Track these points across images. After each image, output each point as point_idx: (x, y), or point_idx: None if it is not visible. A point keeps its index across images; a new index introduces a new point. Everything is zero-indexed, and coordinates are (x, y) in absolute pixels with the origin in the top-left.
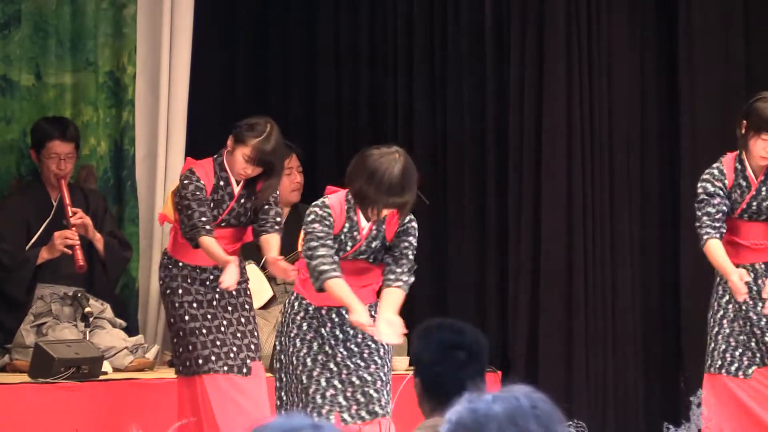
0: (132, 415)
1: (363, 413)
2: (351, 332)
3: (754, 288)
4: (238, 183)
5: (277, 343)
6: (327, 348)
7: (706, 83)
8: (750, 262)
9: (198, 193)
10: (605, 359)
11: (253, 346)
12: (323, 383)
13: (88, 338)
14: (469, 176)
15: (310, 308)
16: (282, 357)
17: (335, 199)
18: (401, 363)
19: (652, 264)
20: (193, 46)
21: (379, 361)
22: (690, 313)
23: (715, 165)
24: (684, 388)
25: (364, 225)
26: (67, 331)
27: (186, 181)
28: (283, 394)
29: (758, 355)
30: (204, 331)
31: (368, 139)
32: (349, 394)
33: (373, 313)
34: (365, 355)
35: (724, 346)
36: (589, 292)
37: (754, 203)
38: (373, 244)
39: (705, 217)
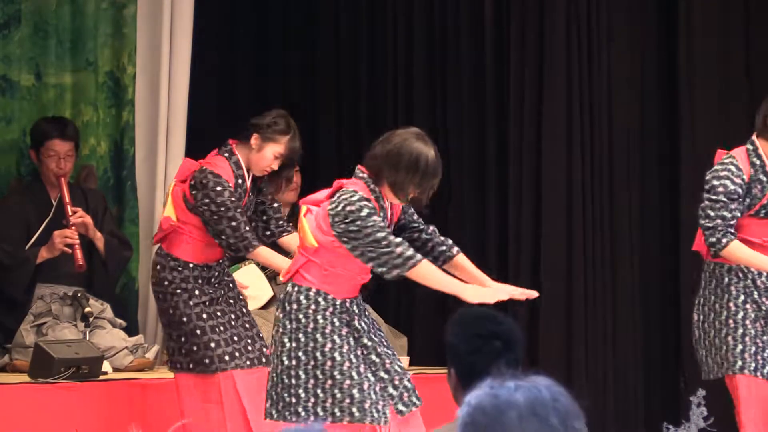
0: (132, 415)
1: (414, 399)
2: (368, 321)
3: None
4: (244, 179)
5: (286, 339)
6: (365, 340)
7: (706, 83)
8: None
9: (234, 199)
10: (605, 359)
11: (261, 334)
12: (372, 378)
13: (88, 338)
14: (469, 176)
15: (337, 302)
16: (300, 354)
17: (363, 190)
18: (403, 362)
19: (652, 264)
20: (193, 46)
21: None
22: (690, 313)
23: (727, 160)
24: (684, 388)
25: (388, 212)
26: (67, 331)
27: (219, 188)
28: (301, 391)
29: None
30: (221, 328)
31: (368, 139)
32: (397, 382)
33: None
34: (386, 343)
35: (753, 348)
36: (589, 292)
37: None
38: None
39: (719, 220)
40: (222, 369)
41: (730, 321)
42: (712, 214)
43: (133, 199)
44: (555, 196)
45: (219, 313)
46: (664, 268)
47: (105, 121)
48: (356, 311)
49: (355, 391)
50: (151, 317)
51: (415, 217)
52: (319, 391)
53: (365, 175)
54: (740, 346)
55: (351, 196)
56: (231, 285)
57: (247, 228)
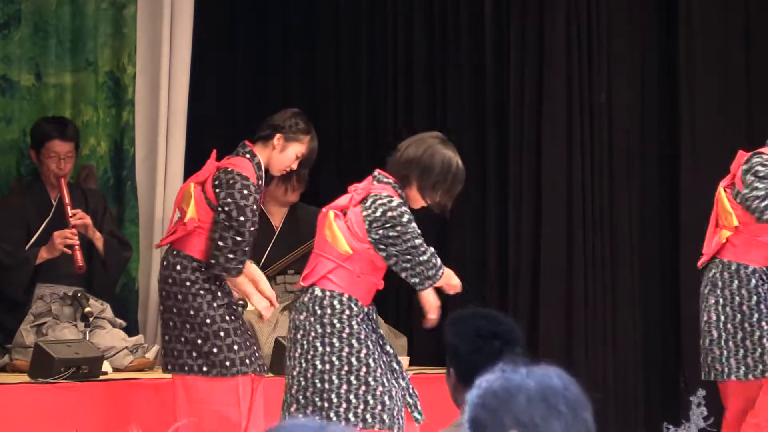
0: (132, 415)
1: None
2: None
3: None
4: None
5: (319, 344)
6: (388, 348)
7: (706, 83)
8: None
9: (255, 207)
10: (605, 359)
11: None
12: (397, 384)
13: (88, 338)
14: (469, 176)
15: (364, 309)
16: (334, 359)
17: (398, 198)
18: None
19: (652, 264)
20: (193, 46)
21: None
22: (690, 313)
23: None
24: (684, 388)
25: None
26: (67, 331)
27: (245, 191)
28: (333, 396)
29: None
30: (240, 331)
31: (368, 139)
32: (411, 391)
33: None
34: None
35: None
36: (589, 292)
37: None
38: None
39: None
40: (243, 372)
41: (763, 323)
42: (760, 185)
43: (133, 199)
44: (555, 196)
45: (235, 317)
46: (664, 268)
47: (105, 121)
48: (374, 319)
49: (386, 398)
50: (151, 317)
51: None
52: (351, 396)
53: (391, 180)
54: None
55: (390, 202)
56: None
57: (245, 248)
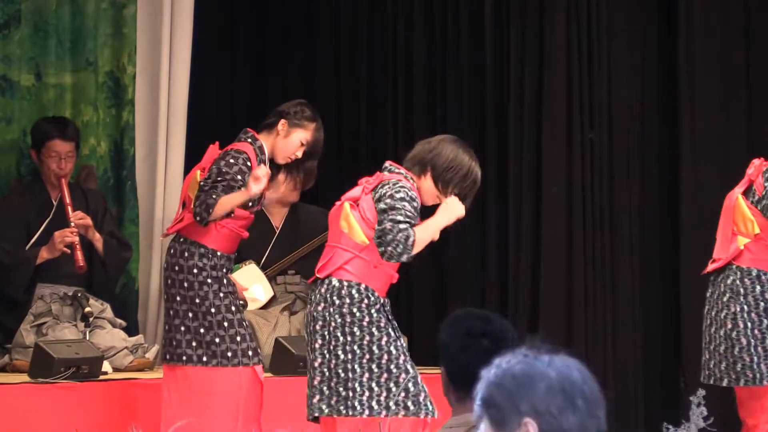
0: (132, 415)
1: None
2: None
3: None
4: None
5: (339, 333)
6: (403, 339)
7: (706, 83)
8: None
9: (239, 178)
10: (605, 359)
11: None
12: (417, 372)
13: (88, 338)
14: None
15: (380, 300)
16: (356, 348)
17: (410, 185)
18: None
19: (652, 264)
20: (193, 46)
21: None
22: (690, 313)
23: None
24: (684, 388)
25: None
26: (67, 331)
27: (231, 161)
28: (357, 385)
29: None
30: (246, 322)
31: (368, 139)
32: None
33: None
34: None
35: None
36: (589, 292)
37: None
38: None
39: None
40: (245, 364)
41: None
42: None
43: (133, 199)
44: (555, 196)
45: (240, 308)
46: (664, 268)
47: (105, 121)
48: (390, 311)
49: (410, 384)
50: (151, 317)
51: None
52: (374, 384)
53: (402, 171)
54: None
55: (395, 183)
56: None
57: (212, 199)
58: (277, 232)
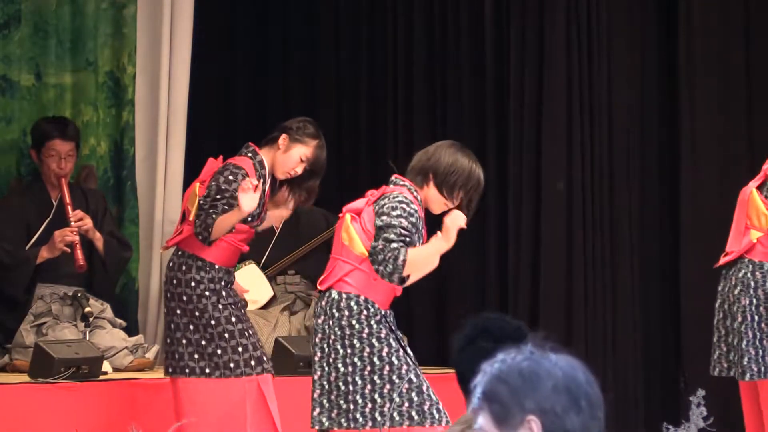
0: (132, 415)
1: None
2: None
3: None
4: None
5: (339, 346)
6: (408, 350)
7: (706, 83)
8: None
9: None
10: (605, 359)
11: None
12: (427, 381)
13: (88, 338)
14: None
15: (381, 311)
16: (356, 360)
17: (410, 195)
18: None
19: (652, 264)
20: (193, 46)
21: None
22: (690, 313)
23: None
24: (684, 388)
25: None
26: (67, 331)
27: (231, 177)
28: (358, 397)
29: None
30: (249, 332)
31: (368, 139)
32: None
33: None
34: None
35: None
36: (589, 292)
37: None
38: None
39: None
40: (247, 374)
41: None
42: None
43: (133, 199)
44: (555, 196)
45: (244, 318)
46: (664, 268)
47: (105, 121)
48: (393, 322)
49: (413, 394)
50: (151, 317)
51: None
52: (376, 396)
53: (407, 183)
54: None
55: (395, 197)
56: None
57: (211, 219)
58: (277, 232)
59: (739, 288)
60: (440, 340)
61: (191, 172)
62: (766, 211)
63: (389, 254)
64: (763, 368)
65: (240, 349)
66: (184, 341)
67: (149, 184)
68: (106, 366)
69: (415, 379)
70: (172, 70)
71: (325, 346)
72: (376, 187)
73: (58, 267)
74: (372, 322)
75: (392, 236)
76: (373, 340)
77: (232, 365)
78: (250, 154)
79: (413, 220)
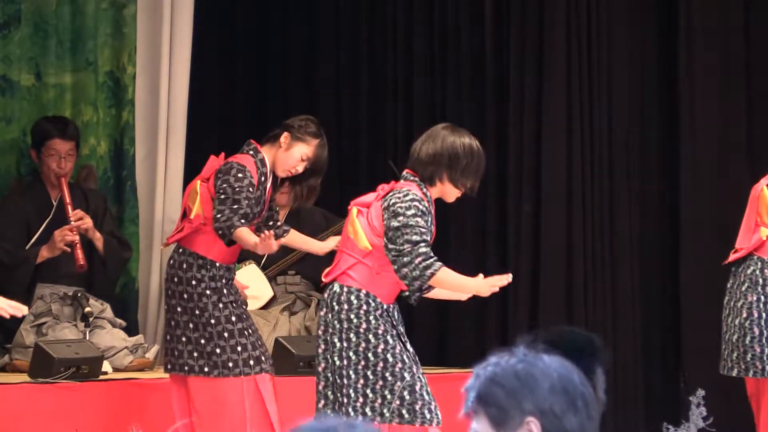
0: (132, 415)
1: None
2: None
3: None
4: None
5: (336, 339)
6: (408, 346)
7: (706, 83)
8: None
9: (251, 189)
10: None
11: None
12: (424, 380)
13: (88, 338)
14: None
15: (383, 306)
16: (351, 354)
17: (419, 193)
18: None
19: (652, 264)
20: (193, 46)
21: None
22: (690, 312)
23: None
24: (684, 388)
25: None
26: (67, 331)
27: (240, 175)
28: (351, 391)
29: None
30: (248, 332)
31: (368, 139)
32: (429, 389)
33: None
34: None
35: None
36: (589, 292)
37: None
38: None
39: None
40: (246, 373)
41: None
42: None
43: (133, 199)
44: (555, 196)
45: (244, 316)
46: (664, 268)
47: (105, 121)
48: (396, 317)
49: (406, 393)
50: (151, 317)
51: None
52: (368, 391)
53: (416, 178)
54: None
55: (405, 195)
56: (238, 289)
57: (245, 214)
58: None
59: (746, 285)
60: (440, 340)
61: (191, 171)
62: None
63: (419, 260)
64: (767, 366)
65: (239, 348)
66: (183, 339)
67: (149, 184)
68: (106, 366)
69: (408, 378)
70: (172, 70)
71: (327, 338)
72: (375, 187)
73: (58, 267)
74: (371, 318)
75: (415, 237)
76: (370, 336)
77: (230, 364)
78: (251, 152)
79: (427, 218)
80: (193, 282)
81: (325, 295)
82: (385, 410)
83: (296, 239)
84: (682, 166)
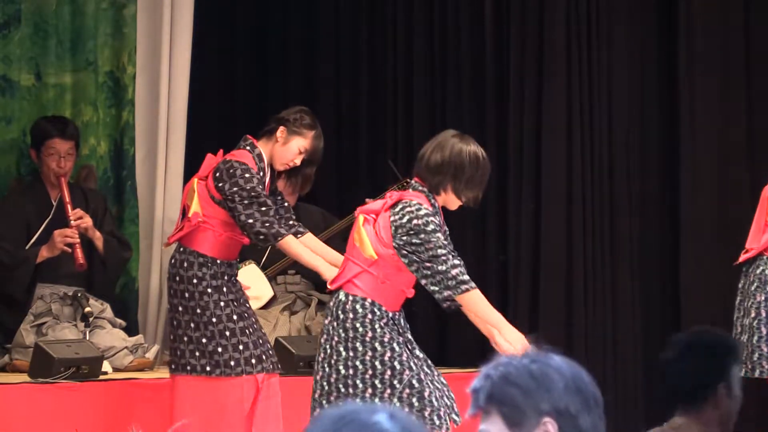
0: (132, 415)
1: (457, 412)
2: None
3: None
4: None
5: (342, 348)
6: (417, 352)
7: (706, 83)
8: None
9: (262, 186)
10: (605, 359)
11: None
12: (432, 385)
13: (88, 338)
14: None
15: (389, 314)
16: (358, 363)
17: (426, 203)
18: None
19: (652, 264)
20: (193, 46)
21: None
22: (690, 312)
23: None
24: None
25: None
26: (67, 331)
27: (247, 175)
28: (358, 401)
29: None
30: (250, 330)
31: (368, 139)
32: (447, 393)
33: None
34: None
35: None
36: (589, 292)
37: None
38: None
39: None
40: (247, 372)
41: None
42: None
43: (133, 199)
44: (555, 196)
45: (246, 314)
46: (664, 268)
47: (105, 121)
48: (403, 324)
49: (414, 399)
50: (151, 317)
51: None
52: (377, 400)
53: (425, 189)
54: None
55: (418, 210)
56: (240, 286)
57: (277, 216)
58: None
59: (756, 284)
60: (440, 340)
61: (191, 171)
62: None
63: (455, 271)
64: None
65: (241, 347)
66: (185, 338)
67: (149, 184)
68: (106, 366)
69: (417, 384)
70: (172, 70)
71: (329, 347)
72: (375, 187)
73: (58, 267)
74: (376, 326)
75: (441, 250)
76: (376, 344)
77: (232, 363)
78: (248, 148)
79: (444, 230)
80: (194, 280)
81: (331, 303)
82: None
83: (315, 246)
84: (682, 166)
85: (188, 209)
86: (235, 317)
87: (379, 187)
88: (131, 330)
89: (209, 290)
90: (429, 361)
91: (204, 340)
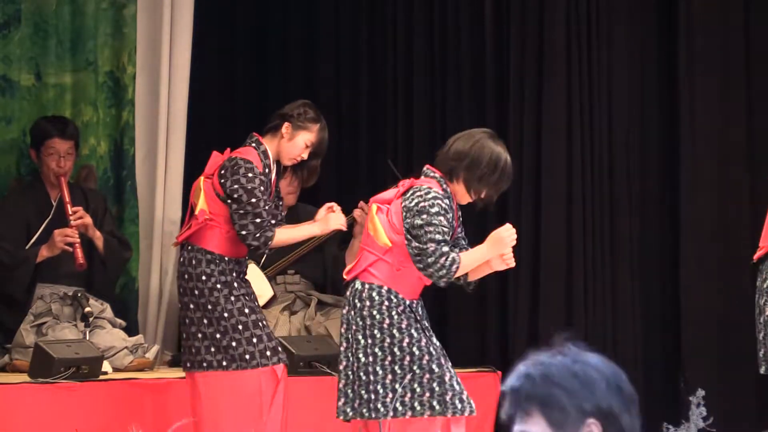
0: (132, 415)
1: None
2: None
3: None
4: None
5: (360, 336)
6: (434, 339)
7: (706, 83)
8: None
9: (264, 188)
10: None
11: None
12: (452, 370)
13: (88, 338)
14: None
15: (406, 302)
16: (377, 350)
17: (437, 188)
18: None
19: (652, 264)
20: (192, 45)
21: None
22: (690, 312)
23: None
24: (684, 388)
25: (457, 213)
26: (67, 331)
27: (250, 174)
28: (379, 387)
29: None
30: (262, 323)
31: (368, 139)
32: (459, 380)
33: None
34: None
35: None
36: (589, 292)
37: None
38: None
39: None
40: (263, 364)
41: None
42: None
43: (133, 199)
44: (555, 196)
45: (257, 309)
46: (664, 268)
47: (105, 121)
48: (421, 313)
49: (435, 384)
50: (151, 317)
51: (462, 234)
52: (397, 386)
53: (437, 175)
54: None
55: (427, 193)
56: (250, 284)
57: (269, 225)
58: None
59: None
60: (440, 340)
61: (191, 171)
62: None
63: (443, 259)
64: None
65: (254, 340)
66: (199, 335)
67: (149, 184)
68: (106, 366)
69: (437, 369)
70: (172, 70)
71: (349, 336)
72: (375, 187)
73: (58, 267)
74: (393, 313)
75: (438, 236)
76: (394, 331)
77: (248, 357)
78: (254, 145)
79: (450, 216)
80: (203, 277)
81: (348, 293)
82: (416, 404)
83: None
84: (682, 166)
85: (195, 207)
86: (246, 311)
87: (379, 187)
88: (131, 330)
89: (218, 286)
90: (444, 352)
91: (218, 336)
